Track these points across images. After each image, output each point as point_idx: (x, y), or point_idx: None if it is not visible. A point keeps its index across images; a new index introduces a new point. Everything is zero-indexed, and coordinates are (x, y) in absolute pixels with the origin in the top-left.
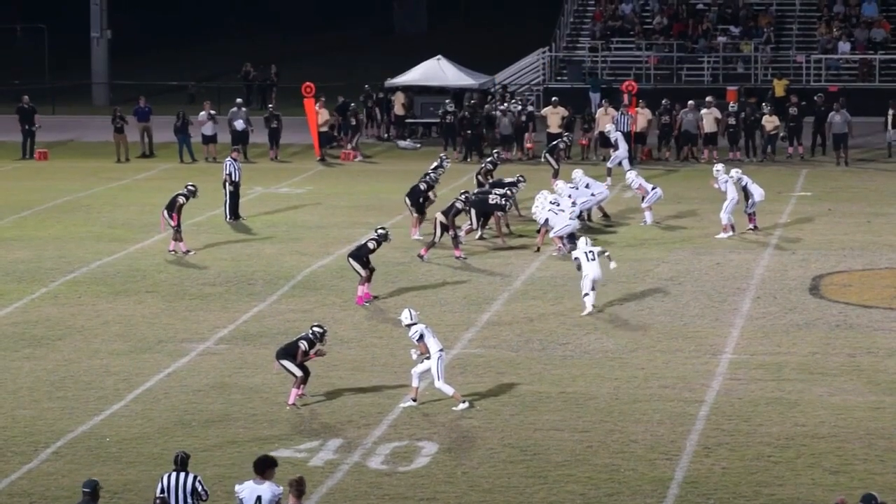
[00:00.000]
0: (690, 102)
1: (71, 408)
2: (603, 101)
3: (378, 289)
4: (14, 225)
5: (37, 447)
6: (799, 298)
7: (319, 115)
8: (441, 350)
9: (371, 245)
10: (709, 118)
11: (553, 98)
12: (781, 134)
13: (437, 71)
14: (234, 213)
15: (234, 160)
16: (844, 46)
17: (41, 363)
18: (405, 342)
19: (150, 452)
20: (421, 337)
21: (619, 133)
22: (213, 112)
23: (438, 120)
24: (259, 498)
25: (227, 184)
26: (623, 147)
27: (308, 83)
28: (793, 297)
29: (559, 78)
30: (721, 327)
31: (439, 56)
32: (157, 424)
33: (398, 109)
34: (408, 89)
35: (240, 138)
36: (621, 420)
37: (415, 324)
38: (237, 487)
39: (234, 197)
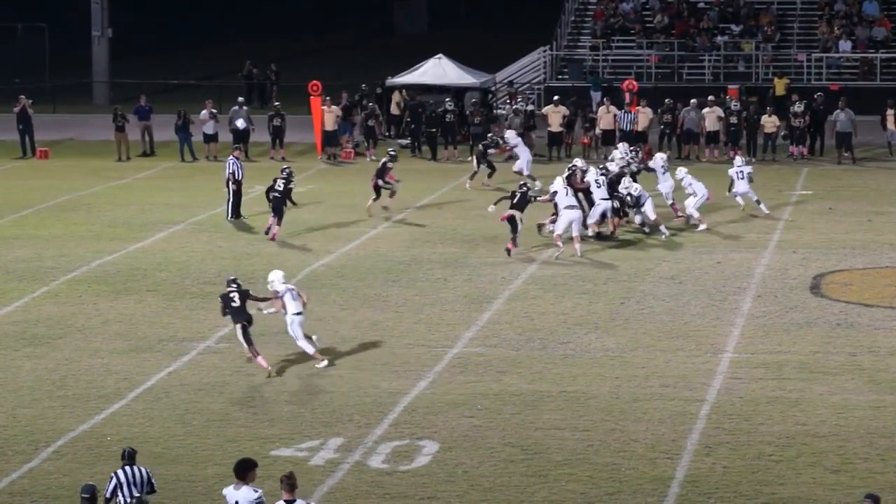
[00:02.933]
0: (693, 101)
1: (72, 407)
2: (605, 100)
3: (379, 287)
4: (14, 223)
5: (37, 446)
6: (800, 297)
7: (330, 114)
8: (297, 314)
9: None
10: (711, 117)
11: (555, 97)
12: (783, 133)
13: (437, 70)
14: (236, 212)
15: (237, 159)
16: (845, 45)
17: (42, 362)
18: (406, 341)
19: (151, 451)
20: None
21: (519, 139)
22: (214, 111)
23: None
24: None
25: (230, 183)
26: (525, 153)
27: (315, 81)
28: (794, 295)
29: (560, 77)
30: (722, 326)
31: (440, 55)
32: (158, 423)
33: (393, 109)
34: (408, 88)
35: (241, 137)
36: (622, 419)
37: (283, 283)
38: (224, 491)
39: (237, 196)
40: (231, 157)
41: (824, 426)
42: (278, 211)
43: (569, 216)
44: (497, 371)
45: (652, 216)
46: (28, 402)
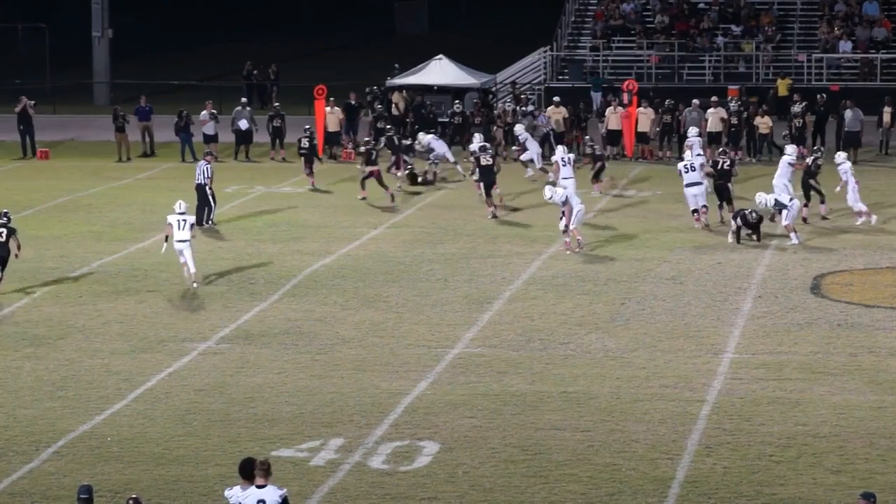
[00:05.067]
0: (695, 101)
1: (72, 407)
2: (613, 100)
3: (380, 288)
4: (15, 224)
5: (38, 447)
6: (800, 298)
7: (332, 115)
8: (180, 241)
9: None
10: (714, 118)
11: (555, 98)
12: (784, 133)
13: (437, 70)
14: (210, 217)
15: (208, 163)
16: (846, 46)
17: (42, 362)
18: (407, 341)
19: (152, 452)
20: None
21: (527, 134)
22: (214, 111)
23: (448, 120)
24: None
25: (209, 188)
26: (533, 147)
27: (321, 86)
28: (794, 296)
29: (560, 77)
30: (722, 327)
31: (440, 56)
32: (159, 424)
33: (393, 109)
34: (408, 89)
35: (243, 138)
36: (622, 419)
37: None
38: (228, 493)
39: (214, 200)
40: (202, 161)
41: (825, 427)
42: (309, 163)
43: (579, 208)
44: (498, 371)
45: (785, 221)
46: (28, 402)
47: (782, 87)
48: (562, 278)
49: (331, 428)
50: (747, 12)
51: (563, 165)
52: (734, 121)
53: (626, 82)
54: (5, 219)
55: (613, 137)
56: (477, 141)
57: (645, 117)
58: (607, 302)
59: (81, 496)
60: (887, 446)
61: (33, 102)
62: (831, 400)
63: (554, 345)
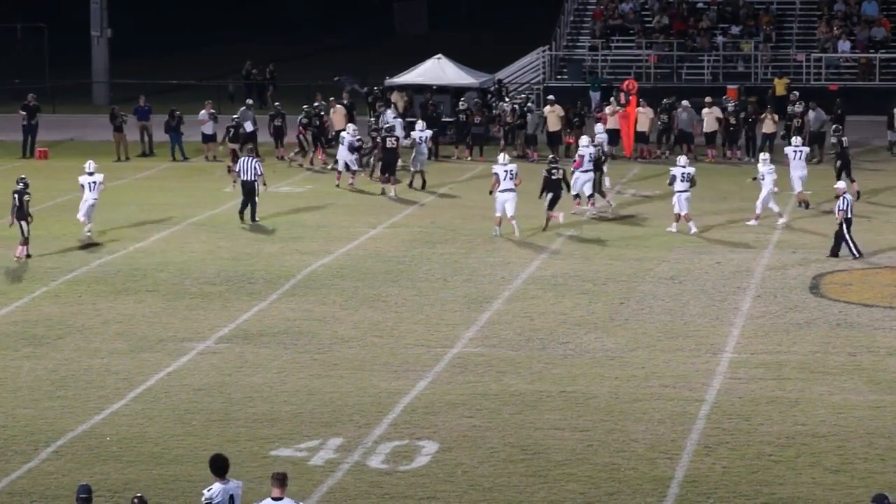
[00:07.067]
0: (685, 102)
1: (71, 407)
2: (611, 100)
3: (379, 288)
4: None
5: (37, 446)
6: (799, 297)
7: (336, 113)
8: (94, 199)
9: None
10: (709, 118)
11: (549, 96)
12: (782, 133)
13: (437, 70)
14: (254, 214)
15: (256, 158)
16: (844, 45)
17: (41, 362)
18: (406, 341)
19: (151, 451)
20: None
21: (396, 122)
22: (213, 111)
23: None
24: (232, 497)
25: (259, 185)
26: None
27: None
28: (793, 295)
29: (559, 77)
30: (721, 326)
31: (439, 55)
32: (158, 424)
33: (393, 109)
34: (406, 88)
35: (247, 138)
36: (622, 419)
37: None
38: (207, 493)
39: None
40: (251, 157)
41: (824, 426)
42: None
43: (503, 198)
44: (497, 371)
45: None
46: (28, 402)
47: (780, 86)
48: (561, 278)
49: (330, 427)
50: (746, 12)
51: (418, 143)
52: (732, 121)
53: (626, 82)
54: (22, 185)
55: (612, 137)
56: (583, 143)
57: (644, 117)
58: (606, 301)
59: (81, 496)
60: (886, 446)
61: (25, 114)
62: (830, 399)
63: (553, 344)
